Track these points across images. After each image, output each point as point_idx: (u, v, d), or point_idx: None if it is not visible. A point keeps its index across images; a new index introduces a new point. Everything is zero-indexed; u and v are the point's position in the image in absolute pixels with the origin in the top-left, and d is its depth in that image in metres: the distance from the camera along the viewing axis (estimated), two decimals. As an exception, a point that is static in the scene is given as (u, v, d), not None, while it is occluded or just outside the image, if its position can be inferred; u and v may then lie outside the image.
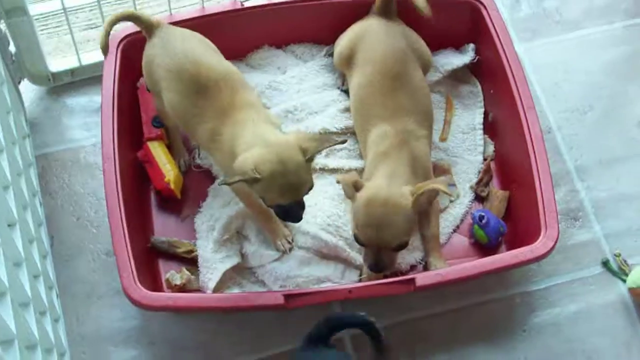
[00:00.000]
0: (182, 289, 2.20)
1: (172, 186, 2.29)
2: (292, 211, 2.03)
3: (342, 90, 2.49)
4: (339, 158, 2.35)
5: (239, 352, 2.19)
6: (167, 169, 2.32)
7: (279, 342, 2.20)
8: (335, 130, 2.39)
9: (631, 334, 2.24)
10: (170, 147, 2.39)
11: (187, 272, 2.21)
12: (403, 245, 2.07)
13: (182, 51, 2.16)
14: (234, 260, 2.22)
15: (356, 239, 2.09)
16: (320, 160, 2.34)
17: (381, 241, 2.04)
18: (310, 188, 2.02)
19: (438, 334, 2.23)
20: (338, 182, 2.14)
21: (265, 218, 2.22)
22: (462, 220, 2.36)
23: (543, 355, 2.20)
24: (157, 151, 2.35)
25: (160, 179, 2.31)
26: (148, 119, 2.39)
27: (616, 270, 2.30)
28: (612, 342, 2.23)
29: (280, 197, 1.98)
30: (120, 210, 2.13)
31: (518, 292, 2.29)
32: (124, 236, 2.10)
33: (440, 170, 2.37)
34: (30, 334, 1.69)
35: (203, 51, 2.19)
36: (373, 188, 2.07)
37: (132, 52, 2.36)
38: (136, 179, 2.34)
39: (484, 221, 2.26)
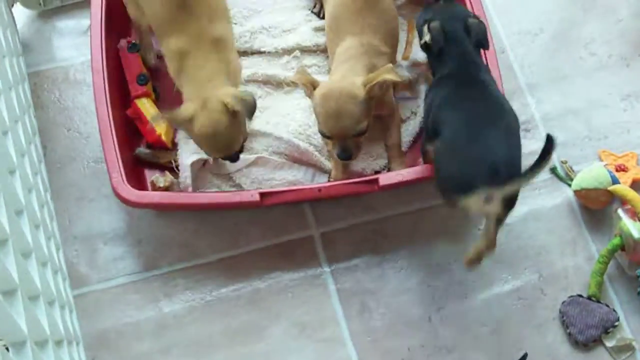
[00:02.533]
0: (165, 191, 2.35)
1: (163, 138, 2.41)
2: (227, 159, 2.30)
3: (312, 12, 2.65)
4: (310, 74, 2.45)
5: (219, 248, 2.36)
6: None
7: (255, 239, 2.37)
8: (307, 46, 2.56)
9: (576, 233, 2.42)
10: (140, 43, 2.53)
11: (170, 176, 2.36)
12: (363, 131, 2.23)
13: None
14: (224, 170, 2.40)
15: (322, 134, 2.27)
16: (291, 75, 2.47)
17: (342, 130, 2.21)
18: (244, 140, 2.24)
19: (400, 233, 2.40)
20: (294, 82, 2.35)
21: None
22: (420, 129, 2.49)
23: (496, 250, 2.35)
24: (146, 107, 2.45)
25: (152, 132, 2.42)
26: (132, 78, 2.49)
27: (563, 176, 2.48)
28: (559, 240, 2.41)
29: (213, 153, 2.23)
30: (109, 117, 2.29)
31: (473, 195, 2.46)
32: (113, 140, 2.26)
33: (401, 85, 2.52)
34: (33, 218, 1.87)
35: None
36: (328, 83, 2.24)
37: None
38: (121, 97, 2.46)
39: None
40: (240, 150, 2.28)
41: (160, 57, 2.50)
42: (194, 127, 2.15)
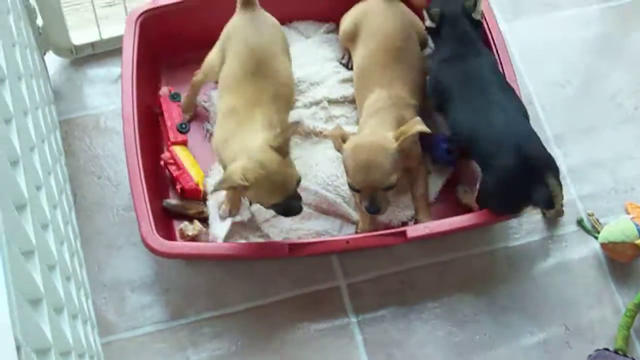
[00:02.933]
0: (193, 240, 2.37)
1: (201, 187, 2.44)
2: (290, 206, 2.20)
3: (341, 63, 2.68)
4: (338, 124, 2.47)
5: (246, 298, 2.37)
6: (196, 170, 2.47)
7: (283, 289, 2.38)
8: (334, 98, 2.59)
9: (603, 286, 2.41)
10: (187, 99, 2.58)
11: (199, 225, 2.38)
12: (393, 185, 2.24)
13: (267, 38, 2.34)
14: (244, 216, 2.41)
15: (350, 187, 2.27)
16: (320, 125, 2.52)
17: (372, 183, 2.22)
18: (298, 181, 2.19)
19: (427, 284, 2.40)
20: (325, 136, 2.37)
21: None
22: (447, 182, 2.52)
23: (521, 304, 2.38)
24: (183, 155, 2.50)
25: (189, 180, 2.44)
26: (173, 125, 2.54)
27: (589, 228, 2.48)
28: (585, 292, 2.41)
29: (273, 197, 2.16)
30: (139, 167, 2.30)
31: (500, 247, 2.46)
32: (142, 190, 2.28)
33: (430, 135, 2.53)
34: (65, 266, 1.89)
35: (280, 51, 2.38)
36: (358, 137, 2.27)
37: (149, 26, 2.55)
38: (151, 146, 2.50)
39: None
40: (298, 197, 2.23)
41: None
42: (248, 178, 2.10)
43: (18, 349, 1.16)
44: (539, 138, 2.25)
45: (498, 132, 2.24)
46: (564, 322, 2.37)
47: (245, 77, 2.30)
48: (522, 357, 2.33)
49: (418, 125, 2.23)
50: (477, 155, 2.32)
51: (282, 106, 2.33)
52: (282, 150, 2.13)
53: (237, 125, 2.23)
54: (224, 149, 2.23)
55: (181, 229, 2.38)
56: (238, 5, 2.39)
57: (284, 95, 2.33)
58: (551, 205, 2.20)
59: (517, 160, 2.18)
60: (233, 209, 2.39)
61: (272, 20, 2.43)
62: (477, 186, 2.32)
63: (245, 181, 2.08)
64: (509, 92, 2.34)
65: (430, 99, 2.47)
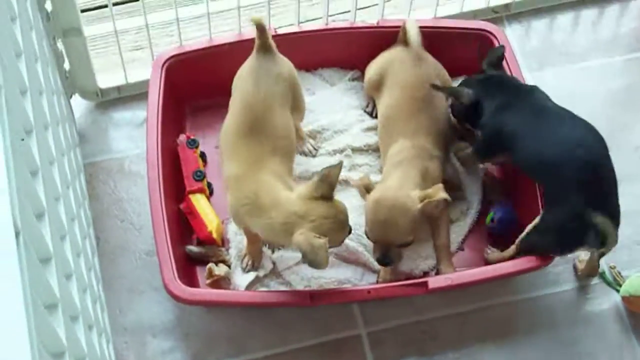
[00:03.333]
0: (217, 284, 2.37)
1: (214, 235, 2.43)
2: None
3: (365, 111, 2.70)
4: (361, 173, 2.52)
5: (267, 345, 2.37)
6: (210, 219, 2.45)
7: (304, 337, 2.38)
8: (358, 146, 2.60)
9: (624, 339, 2.41)
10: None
11: (225, 267, 2.39)
12: (407, 244, 2.27)
13: (265, 91, 2.31)
14: (266, 268, 2.42)
15: (367, 235, 2.29)
16: (344, 173, 2.50)
17: (386, 239, 2.24)
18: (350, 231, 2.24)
19: (448, 334, 2.40)
20: (350, 185, 2.38)
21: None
22: (470, 231, 2.53)
23: (544, 356, 2.37)
24: (199, 203, 2.49)
25: (204, 228, 2.44)
26: (189, 173, 2.53)
27: (611, 280, 2.47)
28: (606, 345, 2.40)
29: (343, 233, 2.19)
30: (162, 212, 2.31)
31: (522, 298, 2.46)
32: (165, 235, 2.28)
33: (450, 185, 2.51)
34: (88, 316, 1.90)
35: (280, 103, 2.33)
36: (383, 190, 2.27)
37: (175, 71, 2.58)
38: (175, 191, 2.50)
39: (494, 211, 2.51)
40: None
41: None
42: (321, 234, 2.08)
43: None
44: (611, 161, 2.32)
45: (574, 155, 2.27)
46: (585, 375, 2.36)
47: (239, 137, 2.29)
48: (543, 410, 2.32)
49: (442, 193, 2.24)
50: (550, 187, 2.31)
51: (284, 158, 2.31)
52: (327, 195, 2.13)
53: (254, 194, 2.19)
54: (251, 220, 2.21)
55: (210, 268, 2.38)
56: (254, 48, 2.40)
57: (282, 148, 2.30)
58: (603, 245, 2.22)
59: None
60: (256, 260, 2.39)
61: (282, 68, 2.40)
62: (530, 227, 2.32)
63: (321, 238, 2.07)
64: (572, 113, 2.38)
65: (479, 156, 2.52)
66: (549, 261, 2.31)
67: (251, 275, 2.38)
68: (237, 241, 2.45)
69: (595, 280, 2.49)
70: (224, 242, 2.48)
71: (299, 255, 2.35)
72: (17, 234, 1.17)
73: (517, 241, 2.34)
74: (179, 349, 2.38)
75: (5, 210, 1.17)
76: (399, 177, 2.31)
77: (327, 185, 2.12)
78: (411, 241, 2.28)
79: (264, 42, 2.36)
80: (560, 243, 2.27)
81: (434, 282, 2.28)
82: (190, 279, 2.37)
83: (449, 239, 2.46)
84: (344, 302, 2.35)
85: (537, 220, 2.29)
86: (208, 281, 2.37)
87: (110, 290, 2.44)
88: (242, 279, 2.38)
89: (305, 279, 2.39)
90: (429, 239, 2.46)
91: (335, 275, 2.40)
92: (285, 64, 2.41)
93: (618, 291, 2.46)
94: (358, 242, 2.42)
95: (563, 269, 2.50)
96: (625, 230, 2.50)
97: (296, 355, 2.37)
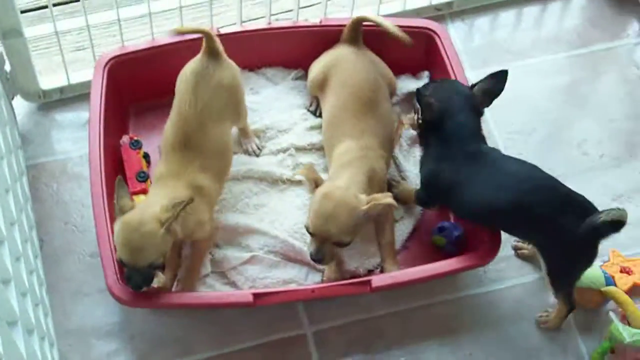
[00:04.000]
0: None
1: None
2: (129, 275, 2.17)
3: (308, 110, 2.70)
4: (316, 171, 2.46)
5: (212, 346, 2.36)
6: None
7: (248, 338, 2.38)
8: (302, 145, 2.60)
9: (567, 335, 2.42)
10: None
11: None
12: (344, 244, 2.27)
13: (204, 103, 2.30)
14: (204, 271, 2.41)
15: (306, 227, 2.28)
16: (287, 173, 2.54)
17: (326, 233, 2.23)
18: (157, 266, 2.19)
19: (393, 332, 2.41)
20: (299, 174, 2.38)
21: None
22: (414, 229, 2.55)
23: (487, 351, 2.39)
24: None
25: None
26: (132, 175, 2.52)
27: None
28: (549, 341, 2.42)
29: (119, 252, 2.15)
30: (105, 214, 2.29)
31: (465, 294, 2.47)
32: (109, 237, 2.26)
33: (394, 184, 2.56)
34: (28, 320, 1.89)
35: (216, 117, 2.33)
36: (332, 186, 2.27)
37: (117, 72, 2.56)
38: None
39: (444, 232, 2.48)
40: (146, 273, 2.18)
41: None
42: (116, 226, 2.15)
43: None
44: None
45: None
46: (528, 370, 2.38)
47: (172, 149, 2.29)
48: (487, 406, 2.34)
49: (389, 199, 2.25)
50: (526, 227, 2.29)
51: (215, 177, 2.32)
52: (166, 225, 2.11)
53: (160, 196, 2.20)
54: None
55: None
56: (202, 51, 2.39)
57: (214, 167, 2.31)
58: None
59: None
60: (172, 270, 2.40)
61: (225, 75, 2.39)
62: (545, 272, 2.31)
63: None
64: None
65: (419, 196, 2.48)
66: (490, 259, 2.33)
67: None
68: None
69: (539, 276, 2.50)
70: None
71: (243, 256, 2.37)
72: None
73: (556, 294, 2.35)
74: (124, 350, 2.37)
75: None
76: (347, 178, 2.31)
77: (170, 213, 2.12)
78: (348, 242, 2.28)
79: (211, 47, 2.35)
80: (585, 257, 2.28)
81: (377, 280, 2.28)
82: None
83: (394, 238, 2.47)
84: (287, 302, 2.35)
85: (546, 267, 2.30)
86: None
87: (54, 293, 2.42)
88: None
89: (250, 279, 2.39)
90: (374, 238, 2.47)
91: (280, 275, 2.40)
92: (229, 71, 2.40)
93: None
94: (303, 241, 2.42)
95: (505, 266, 2.52)
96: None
97: (242, 355, 2.36)
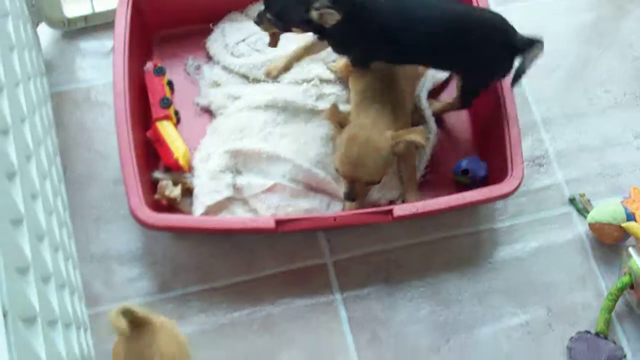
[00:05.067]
0: (170, 203, 2.39)
1: (180, 162, 2.42)
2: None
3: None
4: (329, 102, 2.49)
5: (233, 273, 2.38)
6: (176, 146, 2.45)
7: (269, 265, 2.40)
8: (326, 77, 2.60)
9: (586, 269, 2.44)
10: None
11: (178, 191, 2.39)
12: (375, 183, 2.30)
13: None
14: (224, 194, 2.40)
15: (337, 170, 2.30)
16: (311, 102, 2.53)
17: (356, 176, 2.25)
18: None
19: (413, 263, 2.42)
20: (323, 117, 2.37)
21: None
22: (433, 158, 2.55)
23: (505, 285, 2.40)
24: (166, 130, 2.48)
25: (170, 155, 2.43)
26: (155, 101, 2.51)
27: (580, 207, 2.51)
28: (568, 275, 2.43)
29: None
30: (129, 140, 2.29)
31: (485, 228, 2.48)
32: (132, 163, 2.27)
33: (417, 115, 2.57)
34: (54, 237, 1.91)
35: None
36: (357, 127, 2.27)
37: (141, 0, 2.55)
38: (142, 120, 2.50)
39: (469, 174, 2.48)
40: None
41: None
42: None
43: (5, 315, 1.18)
44: None
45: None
46: (546, 304, 2.40)
47: None
48: (505, 337, 2.35)
49: (415, 135, 2.25)
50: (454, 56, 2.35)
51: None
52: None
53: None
54: None
55: (161, 185, 2.39)
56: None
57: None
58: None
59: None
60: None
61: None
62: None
63: None
64: None
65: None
66: (512, 192, 2.33)
67: (205, 204, 2.38)
68: (203, 169, 2.44)
69: (559, 211, 2.52)
70: (190, 169, 2.47)
71: (266, 183, 2.38)
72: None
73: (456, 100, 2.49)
74: (146, 276, 2.39)
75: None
76: (371, 113, 2.30)
77: None
78: (379, 181, 2.30)
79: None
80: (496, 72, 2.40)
81: (399, 210, 2.29)
82: (157, 207, 2.36)
83: (416, 169, 2.48)
84: (309, 230, 2.36)
85: (461, 87, 2.45)
86: (156, 197, 2.38)
87: (77, 219, 2.44)
88: (197, 207, 2.39)
89: (272, 207, 2.40)
90: (395, 171, 2.48)
91: (301, 204, 2.41)
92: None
93: (586, 218, 2.49)
94: (326, 171, 2.43)
95: (526, 200, 2.52)
96: (589, 162, 2.57)
97: (262, 282, 2.38)
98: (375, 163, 2.24)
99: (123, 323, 1.81)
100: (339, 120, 2.29)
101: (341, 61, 2.51)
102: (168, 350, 1.85)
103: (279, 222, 2.26)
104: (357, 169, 2.24)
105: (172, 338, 1.88)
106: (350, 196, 2.29)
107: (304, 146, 2.47)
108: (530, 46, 2.29)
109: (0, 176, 1.40)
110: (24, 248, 1.47)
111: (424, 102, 2.57)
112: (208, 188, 2.40)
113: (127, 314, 1.82)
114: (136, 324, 1.86)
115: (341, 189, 2.33)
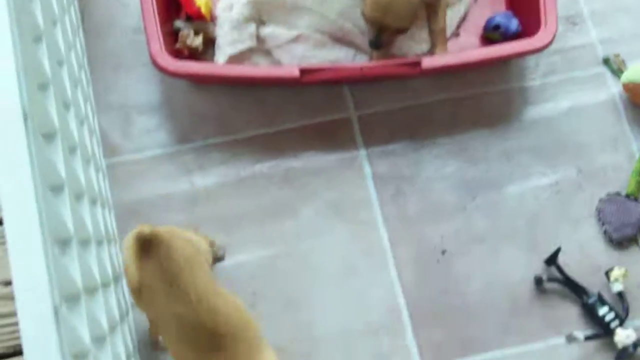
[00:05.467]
0: (191, 52, 2.32)
1: (202, 10, 2.35)
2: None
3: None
4: None
5: (255, 125, 2.33)
6: None
7: (292, 118, 2.34)
8: None
9: (618, 131, 2.38)
10: None
11: (199, 40, 2.31)
12: (403, 30, 2.21)
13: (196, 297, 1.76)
14: (247, 44, 2.33)
15: (364, 17, 2.21)
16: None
17: (384, 21, 2.17)
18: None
19: (440, 119, 2.37)
20: None
21: None
22: (465, 15, 2.47)
23: (535, 144, 2.35)
24: None
25: (192, 3, 2.35)
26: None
27: (614, 68, 2.43)
28: (600, 136, 2.37)
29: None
30: (150, -15, 2.22)
31: (516, 86, 2.41)
32: (153, 10, 2.20)
33: None
34: (72, 70, 1.85)
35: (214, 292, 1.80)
36: None
37: None
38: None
39: (500, 30, 2.40)
40: None
41: None
42: None
43: (25, 118, 1.13)
44: None
45: None
46: (577, 164, 2.34)
47: None
48: (532, 197, 2.30)
49: None
50: None
51: None
52: None
53: None
54: None
55: (183, 34, 2.32)
56: None
57: None
58: None
59: None
60: None
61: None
62: None
63: None
64: None
65: None
66: (545, 46, 2.25)
67: (233, 49, 2.31)
68: (225, 18, 2.36)
69: (592, 71, 2.44)
70: (212, 18, 2.38)
71: (290, 33, 2.31)
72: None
73: None
74: (165, 127, 2.34)
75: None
76: None
77: None
78: (407, 29, 2.22)
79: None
80: None
81: (428, 62, 2.22)
82: (177, 56, 2.29)
83: (446, 24, 2.39)
84: (334, 80, 2.29)
85: None
86: (177, 46, 2.31)
87: (95, 67, 2.37)
88: (220, 54, 2.32)
89: (296, 57, 2.33)
90: (425, 24, 2.39)
91: (326, 56, 2.34)
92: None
93: (620, 78, 2.41)
94: (352, 23, 2.35)
95: (558, 59, 2.45)
96: (625, 23, 2.49)
97: (285, 135, 2.33)
98: (405, 8, 2.16)
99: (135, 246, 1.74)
100: None
101: None
102: (188, 253, 1.78)
103: (304, 72, 2.19)
104: (386, 14, 2.16)
105: (186, 242, 1.81)
106: (377, 44, 2.22)
107: (331, -1, 2.38)
108: None
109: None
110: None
111: None
112: (231, 37, 2.32)
113: (137, 239, 1.74)
114: (146, 244, 1.76)
115: (368, 35, 2.25)
